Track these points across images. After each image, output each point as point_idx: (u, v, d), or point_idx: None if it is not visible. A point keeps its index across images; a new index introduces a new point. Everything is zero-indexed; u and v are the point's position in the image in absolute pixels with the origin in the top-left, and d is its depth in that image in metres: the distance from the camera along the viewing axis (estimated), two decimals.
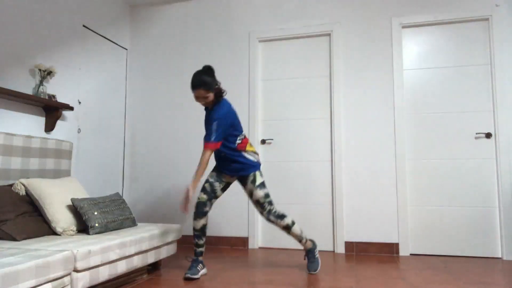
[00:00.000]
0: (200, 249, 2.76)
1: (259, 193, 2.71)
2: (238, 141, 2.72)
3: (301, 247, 3.70)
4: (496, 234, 3.36)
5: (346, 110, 3.73)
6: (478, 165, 3.45)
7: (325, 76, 3.86)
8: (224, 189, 2.82)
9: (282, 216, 2.75)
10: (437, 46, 3.62)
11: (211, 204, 2.76)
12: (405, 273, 2.83)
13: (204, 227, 2.73)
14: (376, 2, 3.74)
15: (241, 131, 2.76)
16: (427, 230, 3.50)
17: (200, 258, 2.77)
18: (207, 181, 2.78)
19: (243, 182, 2.77)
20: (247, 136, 3.89)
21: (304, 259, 2.93)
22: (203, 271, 2.75)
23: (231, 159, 2.73)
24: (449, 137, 3.53)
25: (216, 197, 2.78)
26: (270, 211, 2.73)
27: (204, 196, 2.72)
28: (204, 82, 2.57)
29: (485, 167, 3.43)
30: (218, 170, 2.82)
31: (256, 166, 2.76)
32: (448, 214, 3.47)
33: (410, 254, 3.51)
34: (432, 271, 2.87)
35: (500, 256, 3.34)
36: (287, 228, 2.77)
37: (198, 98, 2.63)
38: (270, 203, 2.74)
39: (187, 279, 2.63)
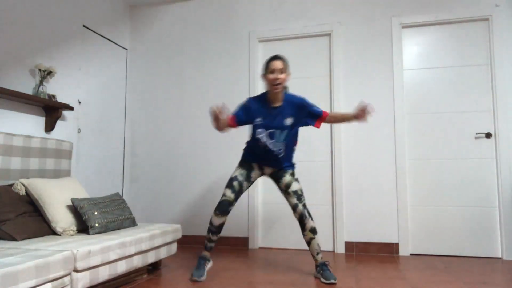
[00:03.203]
0: (211, 244, 2.74)
1: (298, 185, 2.72)
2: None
3: (305, 246, 3.69)
4: (496, 234, 3.36)
5: (346, 110, 3.73)
6: (478, 165, 3.45)
7: (325, 76, 3.86)
8: (247, 188, 2.79)
9: (311, 216, 2.72)
10: (437, 46, 3.62)
11: (235, 204, 2.74)
12: (405, 273, 2.83)
13: (221, 225, 2.70)
14: (376, 2, 3.74)
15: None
16: (427, 230, 3.50)
17: (208, 255, 2.77)
18: (236, 179, 2.70)
19: (280, 176, 2.72)
20: (247, 136, 3.90)
21: (317, 273, 2.70)
22: (209, 265, 2.75)
23: (289, 155, 2.74)
24: (449, 137, 3.53)
25: (240, 197, 2.75)
26: (305, 204, 2.70)
27: (232, 196, 2.66)
28: (284, 58, 2.60)
29: (485, 167, 3.43)
30: (249, 169, 2.75)
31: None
32: (448, 214, 3.47)
33: (410, 254, 3.51)
34: (432, 271, 2.87)
35: (500, 256, 3.34)
36: (314, 232, 2.68)
37: (273, 71, 2.53)
38: (305, 198, 2.78)
39: (193, 281, 2.61)
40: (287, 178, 2.70)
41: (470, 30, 3.56)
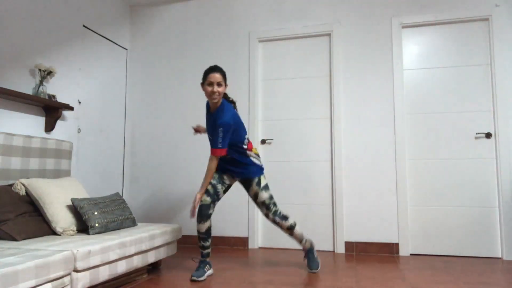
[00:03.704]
0: (207, 250, 2.76)
1: (265, 194, 2.75)
2: (244, 144, 2.76)
3: (300, 248, 3.70)
4: (496, 234, 3.36)
5: (346, 110, 3.73)
6: (478, 165, 3.45)
7: (325, 76, 3.86)
8: (225, 191, 2.83)
9: (285, 217, 2.79)
10: (437, 46, 3.61)
11: (214, 206, 2.76)
12: (405, 273, 2.83)
13: (209, 229, 2.72)
14: (376, 2, 3.74)
15: (245, 133, 2.79)
16: (427, 230, 3.50)
17: (208, 259, 2.77)
18: (209, 183, 2.76)
19: (248, 185, 2.79)
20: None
21: (304, 259, 2.95)
22: (209, 272, 2.75)
23: (238, 161, 2.75)
24: (449, 137, 3.53)
25: (219, 199, 2.78)
26: (275, 212, 2.77)
27: (208, 199, 2.70)
28: (223, 70, 2.69)
29: (485, 167, 3.43)
30: (220, 172, 2.81)
31: (261, 168, 2.81)
32: (448, 214, 3.47)
33: (410, 254, 3.51)
34: (432, 271, 2.87)
35: (500, 256, 3.34)
36: (290, 229, 2.80)
37: (211, 84, 2.61)
38: (275, 204, 2.79)
39: (193, 281, 2.62)
40: (254, 188, 2.77)
41: (470, 30, 3.56)
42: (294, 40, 3.96)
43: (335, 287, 2.45)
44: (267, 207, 2.76)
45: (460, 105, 3.53)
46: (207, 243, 2.74)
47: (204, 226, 2.69)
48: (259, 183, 2.76)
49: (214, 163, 2.67)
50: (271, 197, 2.77)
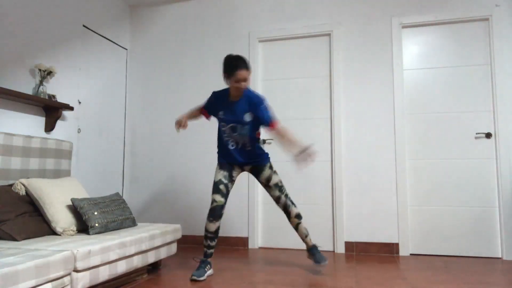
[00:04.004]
0: (211, 250, 2.75)
1: (277, 177, 2.83)
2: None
3: (304, 246, 3.70)
4: (496, 234, 3.36)
5: (346, 110, 3.73)
6: (478, 165, 3.45)
7: (325, 76, 3.86)
8: (232, 188, 2.91)
9: (294, 204, 2.85)
10: (437, 46, 3.62)
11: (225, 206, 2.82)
12: (405, 273, 2.83)
13: (217, 230, 2.73)
14: (376, 2, 3.74)
15: None
16: (427, 230, 3.50)
17: (209, 259, 2.78)
18: (221, 182, 2.73)
19: (259, 170, 2.82)
20: None
21: (310, 257, 2.87)
22: (209, 272, 2.74)
23: (256, 148, 2.80)
24: (449, 137, 3.53)
25: (228, 198, 2.83)
26: (287, 194, 2.83)
27: (222, 200, 2.70)
28: (248, 65, 2.63)
29: (485, 167, 3.43)
30: (230, 167, 2.80)
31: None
32: (448, 214, 3.47)
33: (410, 254, 3.51)
34: (432, 271, 2.87)
35: (500, 256, 3.34)
36: (298, 217, 2.82)
37: (239, 81, 2.59)
38: (285, 188, 2.86)
39: (193, 281, 2.62)
40: (266, 172, 2.81)
41: (470, 30, 3.56)
42: (294, 40, 3.96)
43: (335, 287, 2.45)
44: (280, 189, 2.80)
45: (460, 105, 3.53)
46: (213, 243, 2.74)
47: (214, 226, 2.70)
48: (271, 167, 2.83)
49: (282, 127, 2.68)
50: (281, 181, 2.85)
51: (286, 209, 2.81)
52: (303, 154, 2.52)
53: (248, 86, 2.67)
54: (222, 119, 2.74)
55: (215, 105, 2.78)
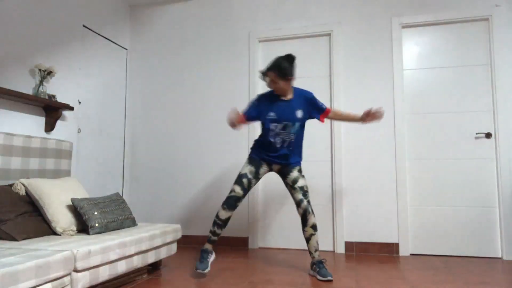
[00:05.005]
0: (215, 237, 2.78)
1: (305, 181, 2.80)
2: None
3: (305, 246, 3.70)
4: (496, 234, 3.36)
5: (346, 110, 3.73)
6: (478, 165, 3.45)
7: (325, 76, 3.86)
8: (255, 185, 2.90)
9: (313, 212, 2.80)
10: (437, 46, 3.62)
11: (243, 200, 2.82)
12: (405, 273, 2.83)
13: (228, 220, 2.75)
14: (376, 2, 3.74)
15: None
16: (427, 230, 3.50)
17: (210, 248, 2.80)
18: (245, 176, 2.76)
19: (287, 172, 2.80)
20: (243, 137, 3.91)
21: (313, 271, 2.72)
22: (212, 258, 2.77)
23: (299, 146, 2.81)
24: (449, 137, 3.53)
25: (248, 193, 2.84)
26: (309, 201, 2.81)
27: (241, 192, 2.73)
28: (278, 66, 2.63)
29: (485, 167, 3.43)
30: (259, 164, 2.80)
31: None
32: (448, 214, 3.47)
33: (410, 254, 3.51)
34: (432, 271, 2.87)
35: (500, 256, 3.34)
36: (314, 228, 2.73)
37: (268, 82, 2.72)
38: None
39: (199, 273, 2.63)
40: (294, 174, 2.78)
41: (470, 30, 3.56)
42: (294, 40, 3.96)
43: (335, 287, 2.45)
44: (304, 193, 2.74)
45: (460, 105, 3.53)
46: (219, 231, 2.76)
47: (226, 214, 2.72)
48: (300, 170, 2.82)
49: (333, 109, 2.85)
50: (307, 186, 2.86)
51: (305, 216, 2.71)
52: (371, 116, 2.69)
53: (279, 88, 2.71)
54: (273, 120, 2.72)
55: (263, 107, 2.76)
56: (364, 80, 3.71)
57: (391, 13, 3.70)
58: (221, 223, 2.74)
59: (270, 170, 2.87)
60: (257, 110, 2.77)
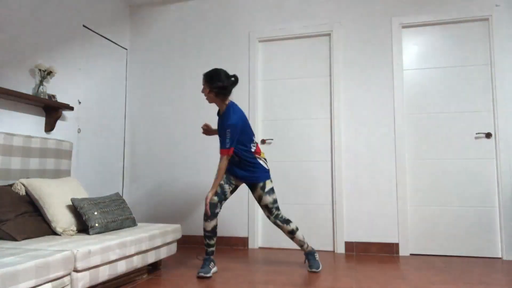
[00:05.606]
0: (211, 248, 2.81)
1: (268, 198, 2.80)
2: (253, 145, 2.81)
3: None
4: (496, 234, 3.36)
5: (346, 110, 3.73)
6: (478, 165, 3.45)
7: (325, 76, 3.86)
8: (232, 192, 2.89)
9: (287, 221, 2.83)
10: (437, 46, 3.61)
11: (221, 206, 2.81)
12: (405, 273, 2.83)
13: (215, 228, 2.77)
14: (376, 2, 3.74)
15: (253, 135, 2.84)
16: (427, 230, 3.50)
17: (212, 257, 2.81)
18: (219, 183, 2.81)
19: (253, 187, 2.83)
20: None
21: (305, 262, 2.98)
22: (214, 269, 2.79)
23: (247, 163, 2.78)
24: (449, 137, 3.53)
25: (226, 199, 2.83)
26: (277, 216, 2.82)
27: (215, 198, 2.75)
28: (209, 72, 2.75)
29: (485, 167, 3.43)
30: (228, 173, 2.85)
31: (267, 173, 2.84)
32: (448, 214, 3.47)
33: (410, 254, 3.51)
34: (432, 271, 2.87)
35: (500, 256, 3.34)
36: (292, 233, 2.84)
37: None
38: (277, 208, 2.83)
39: (200, 278, 2.66)
40: (258, 192, 2.82)
41: (470, 30, 3.56)
42: (294, 40, 3.96)
43: (335, 287, 2.45)
44: (269, 211, 2.81)
45: (460, 105, 3.53)
46: (212, 241, 2.79)
47: (210, 225, 2.74)
48: (263, 187, 2.80)
49: (224, 163, 2.71)
50: (274, 201, 2.81)
51: (277, 227, 2.84)
52: (206, 198, 2.73)
53: (210, 97, 2.79)
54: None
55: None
56: (364, 80, 3.71)
57: (391, 13, 3.69)
58: (209, 234, 2.77)
59: (241, 181, 2.87)
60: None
